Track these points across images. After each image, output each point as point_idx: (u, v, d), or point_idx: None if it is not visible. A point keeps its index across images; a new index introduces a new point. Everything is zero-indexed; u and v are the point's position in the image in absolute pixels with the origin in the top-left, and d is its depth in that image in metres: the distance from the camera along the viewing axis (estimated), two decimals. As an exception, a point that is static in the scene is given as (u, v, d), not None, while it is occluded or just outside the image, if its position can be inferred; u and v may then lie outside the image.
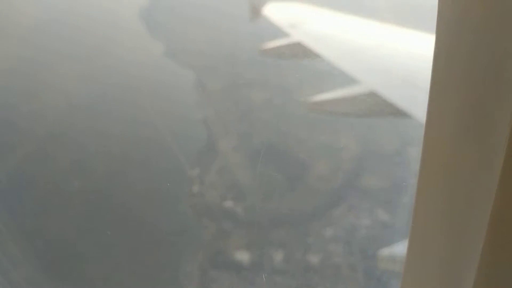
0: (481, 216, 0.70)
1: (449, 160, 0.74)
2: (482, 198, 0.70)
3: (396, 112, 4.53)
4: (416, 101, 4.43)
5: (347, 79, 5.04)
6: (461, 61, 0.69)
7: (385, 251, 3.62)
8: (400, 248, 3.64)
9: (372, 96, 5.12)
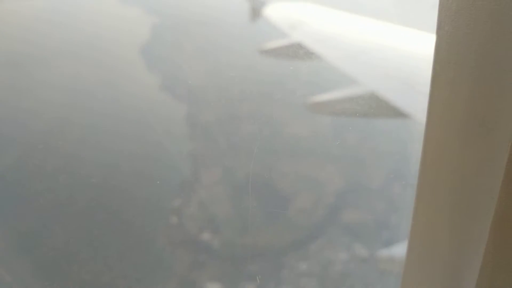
0: (483, 216, 0.69)
1: (449, 160, 0.73)
2: (484, 199, 0.69)
3: (396, 113, 4.52)
4: (415, 101, 4.42)
5: (347, 80, 5.03)
6: (461, 62, 0.69)
7: (384, 252, 3.61)
8: (399, 249, 3.63)
9: (372, 97, 5.11)
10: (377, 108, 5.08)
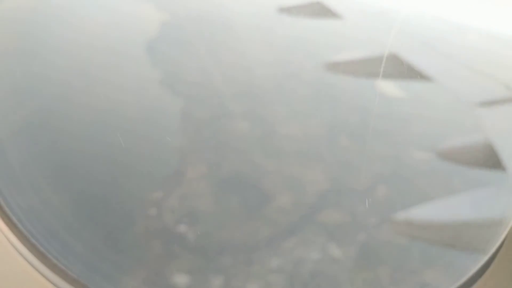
0: None
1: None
2: None
3: (417, 75, 4.41)
4: (437, 64, 4.32)
5: (368, 40, 4.91)
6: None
7: (401, 215, 3.56)
8: (417, 212, 3.58)
9: (393, 58, 4.98)
10: (398, 69, 4.96)
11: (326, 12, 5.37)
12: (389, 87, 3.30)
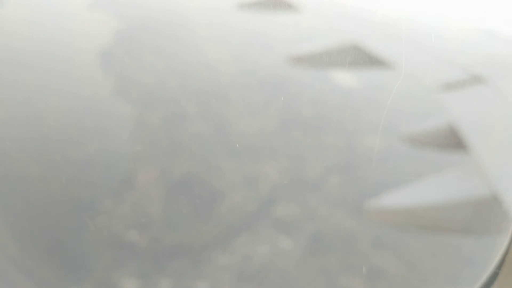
0: None
1: None
2: None
3: (376, 63, 4.42)
4: (394, 51, 4.33)
5: (327, 32, 4.88)
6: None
7: (373, 203, 3.56)
8: (389, 199, 3.59)
9: (352, 48, 4.97)
10: (357, 59, 4.95)
11: (285, 6, 5.28)
12: (346, 78, 3.28)
